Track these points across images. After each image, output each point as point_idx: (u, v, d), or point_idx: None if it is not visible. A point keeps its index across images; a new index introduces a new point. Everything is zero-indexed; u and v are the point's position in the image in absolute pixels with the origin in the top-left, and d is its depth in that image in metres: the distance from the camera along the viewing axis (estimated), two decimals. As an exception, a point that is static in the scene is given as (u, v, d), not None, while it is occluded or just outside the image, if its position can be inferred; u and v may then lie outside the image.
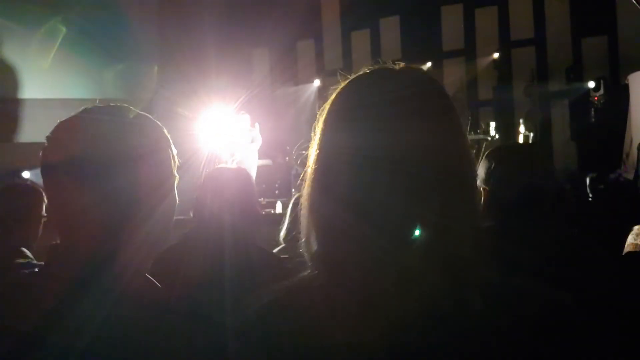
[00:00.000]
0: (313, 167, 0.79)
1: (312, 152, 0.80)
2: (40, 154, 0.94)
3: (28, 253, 2.26)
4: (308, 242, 0.79)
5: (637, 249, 2.23)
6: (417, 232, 0.72)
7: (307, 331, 0.74)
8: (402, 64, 0.82)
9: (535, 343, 0.71)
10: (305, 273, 0.80)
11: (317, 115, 0.82)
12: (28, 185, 2.77)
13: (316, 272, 0.78)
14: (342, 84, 0.82)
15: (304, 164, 0.82)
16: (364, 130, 0.75)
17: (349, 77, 0.82)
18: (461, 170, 0.77)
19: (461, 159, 0.77)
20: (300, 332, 0.74)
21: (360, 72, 0.82)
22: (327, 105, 0.81)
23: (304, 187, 0.81)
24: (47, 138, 0.94)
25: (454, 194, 0.75)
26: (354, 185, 0.74)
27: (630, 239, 2.32)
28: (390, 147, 0.73)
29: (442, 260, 0.72)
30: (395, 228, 0.73)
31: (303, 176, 0.82)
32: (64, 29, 8.25)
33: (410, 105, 0.76)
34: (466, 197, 0.77)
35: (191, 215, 2.08)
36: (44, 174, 0.94)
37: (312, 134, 0.82)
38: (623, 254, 2.23)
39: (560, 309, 0.75)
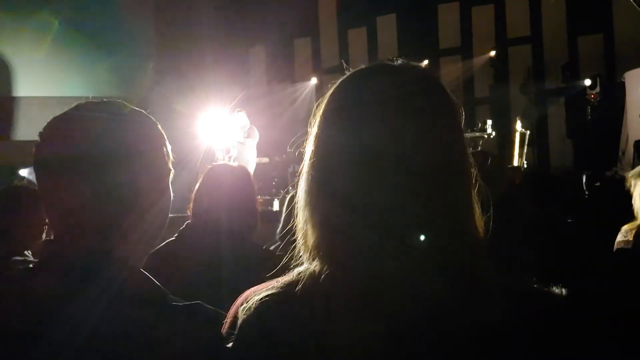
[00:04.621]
0: (310, 163, 0.78)
1: (308, 148, 0.80)
2: (34, 150, 0.93)
3: (27, 253, 2.25)
4: (305, 238, 0.79)
5: (626, 246, 2.26)
6: (422, 237, 0.72)
7: (305, 327, 0.74)
8: (399, 61, 0.81)
9: (537, 341, 0.71)
10: (302, 269, 0.79)
11: (314, 110, 0.81)
12: (28, 187, 2.76)
13: (313, 268, 0.77)
14: (340, 79, 0.81)
15: (300, 160, 0.82)
16: (364, 127, 0.74)
17: (348, 71, 0.81)
18: (462, 168, 0.77)
19: (462, 157, 0.77)
20: (299, 328, 0.74)
21: (360, 68, 0.81)
22: (324, 101, 0.80)
23: (300, 182, 0.80)
24: (40, 134, 0.93)
25: (455, 192, 0.75)
26: (355, 183, 0.73)
27: (619, 238, 2.35)
28: (392, 144, 0.73)
29: (443, 259, 0.72)
30: (397, 226, 0.72)
31: (300, 172, 0.81)
32: (59, 26, 8.22)
33: (413, 102, 0.75)
34: (466, 196, 0.77)
35: (188, 212, 2.08)
36: (37, 170, 0.93)
37: (309, 129, 0.81)
38: (613, 251, 2.26)
39: (560, 308, 0.75)
